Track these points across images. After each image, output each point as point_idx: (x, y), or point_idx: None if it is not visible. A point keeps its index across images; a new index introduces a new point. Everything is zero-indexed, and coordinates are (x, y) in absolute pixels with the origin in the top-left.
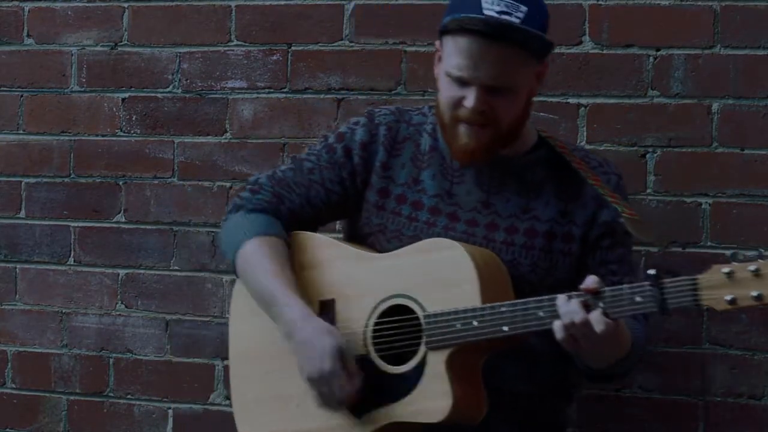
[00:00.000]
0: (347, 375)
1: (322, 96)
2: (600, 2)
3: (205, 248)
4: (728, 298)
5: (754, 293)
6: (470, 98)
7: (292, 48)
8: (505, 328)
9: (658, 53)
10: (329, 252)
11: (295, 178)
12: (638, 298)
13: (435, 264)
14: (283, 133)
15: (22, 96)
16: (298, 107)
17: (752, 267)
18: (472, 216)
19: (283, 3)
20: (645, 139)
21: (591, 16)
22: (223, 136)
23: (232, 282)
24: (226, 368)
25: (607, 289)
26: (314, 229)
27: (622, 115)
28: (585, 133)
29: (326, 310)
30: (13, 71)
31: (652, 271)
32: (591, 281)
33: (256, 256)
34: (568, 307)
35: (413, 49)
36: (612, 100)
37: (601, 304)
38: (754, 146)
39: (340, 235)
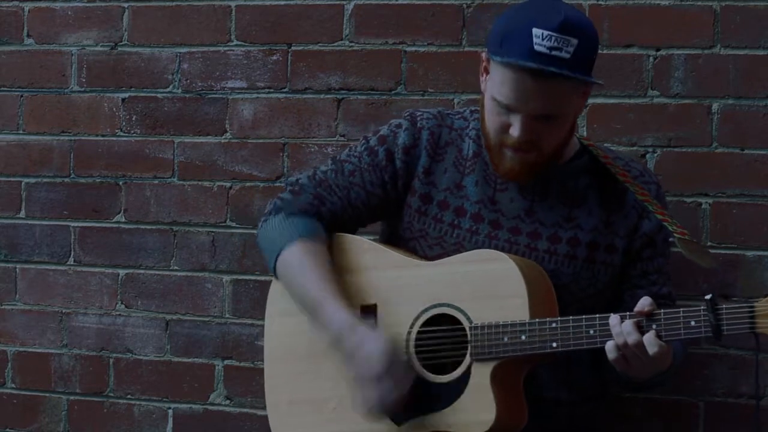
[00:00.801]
0: (397, 379)
1: (322, 96)
2: (600, 2)
3: (205, 248)
4: None
5: None
6: (516, 126)
7: (292, 48)
8: (555, 344)
9: (658, 53)
10: (372, 257)
11: (336, 179)
12: (693, 323)
13: (483, 275)
14: (283, 133)
15: (22, 96)
16: (298, 107)
17: None
18: (515, 224)
19: (283, 3)
20: (645, 139)
21: (591, 16)
22: (223, 136)
23: (232, 282)
24: (226, 368)
25: (662, 311)
26: (354, 231)
27: (622, 115)
28: (585, 133)
29: (368, 315)
30: (13, 71)
31: (708, 296)
32: (645, 303)
33: (299, 260)
34: (621, 328)
35: (413, 49)
36: (612, 100)
37: (654, 326)
38: (754, 146)
39: (377, 237)
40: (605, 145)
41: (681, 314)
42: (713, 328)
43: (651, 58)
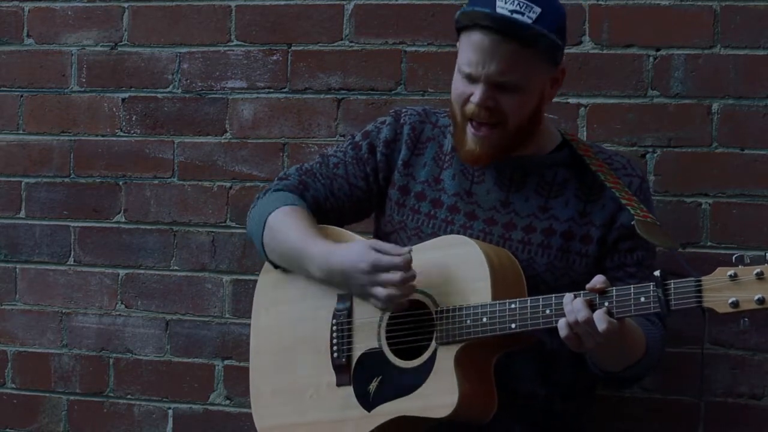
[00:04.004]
0: (390, 257)
1: (322, 96)
2: (600, 2)
3: (205, 248)
4: (731, 300)
5: (757, 297)
6: (477, 94)
7: (292, 48)
8: (513, 326)
9: (658, 53)
10: None
11: (321, 170)
12: (642, 299)
13: (449, 260)
14: (283, 133)
15: (22, 96)
16: (298, 107)
17: (756, 270)
18: (491, 215)
19: (283, 3)
20: (645, 139)
21: (591, 16)
22: (223, 136)
23: (232, 282)
24: (226, 368)
25: (613, 288)
26: (339, 226)
27: (622, 115)
28: (585, 133)
29: (343, 302)
30: (13, 71)
31: (657, 273)
32: (598, 281)
33: (283, 222)
34: (572, 306)
35: (413, 49)
36: (612, 100)
37: (606, 304)
38: (754, 146)
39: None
40: (604, 145)
41: (632, 291)
42: (662, 304)
43: (651, 58)
